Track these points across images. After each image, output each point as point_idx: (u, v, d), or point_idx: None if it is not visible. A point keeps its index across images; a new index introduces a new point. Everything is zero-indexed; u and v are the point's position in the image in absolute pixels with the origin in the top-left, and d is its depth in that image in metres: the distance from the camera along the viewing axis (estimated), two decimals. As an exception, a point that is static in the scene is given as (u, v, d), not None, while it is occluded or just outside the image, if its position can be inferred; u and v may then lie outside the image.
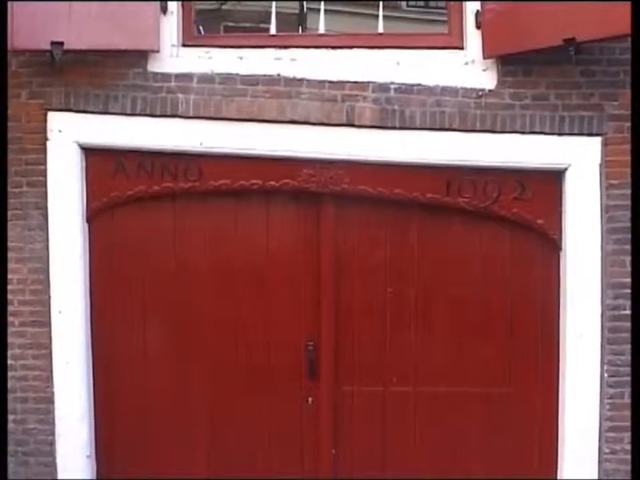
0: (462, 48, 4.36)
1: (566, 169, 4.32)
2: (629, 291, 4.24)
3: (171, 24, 4.33)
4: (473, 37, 4.31)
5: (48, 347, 4.38)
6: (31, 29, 4.06)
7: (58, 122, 4.32)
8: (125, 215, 4.46)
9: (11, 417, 4.30)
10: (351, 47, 4.38)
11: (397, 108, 4.29)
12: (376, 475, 4.55)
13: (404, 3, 8.16)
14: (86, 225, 4.43)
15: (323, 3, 4.59)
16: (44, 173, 4.33)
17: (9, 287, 4.24)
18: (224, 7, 5.35)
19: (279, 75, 4.31)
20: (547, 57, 4.21)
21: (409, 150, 4.30)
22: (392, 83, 4.30)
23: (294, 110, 4.29)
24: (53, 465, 4.45)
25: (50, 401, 4.41)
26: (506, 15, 4.17)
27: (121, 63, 4.29)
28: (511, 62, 4.26)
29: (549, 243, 4.41)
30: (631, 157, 3.87)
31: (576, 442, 4.37)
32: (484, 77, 4.31)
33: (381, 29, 4.46)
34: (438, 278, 4.47)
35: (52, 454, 4.44)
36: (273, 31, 4.46)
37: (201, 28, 4.53)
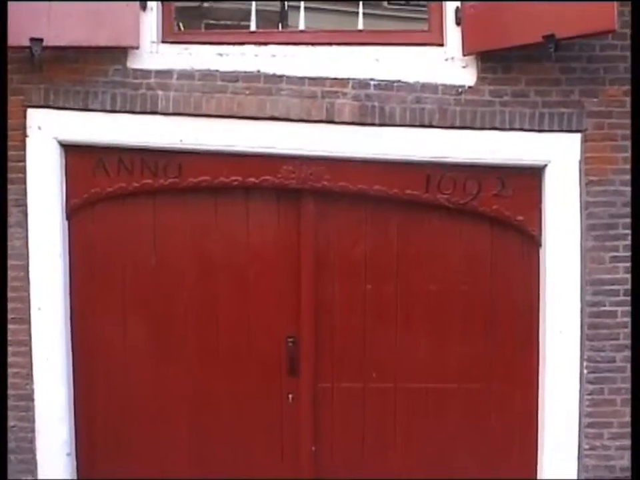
0: (442, 45, 4.35)
1: (546, 166, 4.32)
2: (608, 287, 4.29)
3: (150, 21, 4.31)
4: (453, 34, 4.31)
5: (27, 343, 4.37)
6: (10, 26, 4.03)
7: (37, 119, 4.30)
8: (105, 211, 4.45)
9: (-10, 414, 4.31)
10: (330, 44, 4.38)
11: (376, 104, 4.28)
12: (356, 471, 4.54)
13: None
14: (66, 222, 4.41)
15: (303, 0, 4.58)
16: (23, 170, 4.31)
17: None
18: (205, 4, 5.35)
19: (258, 71, 4.30)
20: (526, 54, 4.22)
21: (389, 146, 4.30)
22: (372, 80, 4.29)
23: (274, 106, 4.28)
24: (33, 463, 4.43)
25: (30, 398, 4.39)
26: (486, 11, 4.18)
27: (101, 59, 4.28)
28: (490, 58, 4.27)
29: (529, 239, 4.42)
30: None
31: (555, 438, 4.37)
32: (464, 74, 4.31)
33: (360, 26, 4.46)
34: (417, 274, 4.46)
35: (32, 451, 4.42)
36: (253, 27, 4.46)
37: (181, 26, 4.52)
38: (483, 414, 4.52)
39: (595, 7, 3.89)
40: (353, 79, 4.30)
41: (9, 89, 4.28)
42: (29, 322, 4.37)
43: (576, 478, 4.36)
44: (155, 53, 4.33)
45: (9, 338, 4.34)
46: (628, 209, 4.10)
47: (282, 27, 4.54)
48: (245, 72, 4.30)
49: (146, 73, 4.29)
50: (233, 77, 4.29)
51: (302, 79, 4.30)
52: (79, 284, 4.46)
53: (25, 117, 4.30)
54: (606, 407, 4.30)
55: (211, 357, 4.51)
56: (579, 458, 4.36)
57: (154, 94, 4.28)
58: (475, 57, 4.29)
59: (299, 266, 4.43)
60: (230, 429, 4.55)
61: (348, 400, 4.52)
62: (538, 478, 4.48)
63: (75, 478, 4.52)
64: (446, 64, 4.33)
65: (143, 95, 4.28)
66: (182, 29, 4.48)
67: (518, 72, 4.28)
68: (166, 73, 4.29)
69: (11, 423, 4.39)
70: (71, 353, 4.47)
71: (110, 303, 4.50)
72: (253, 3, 4.46)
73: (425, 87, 4.30)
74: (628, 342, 4.10)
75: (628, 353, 4.12)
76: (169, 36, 4.39)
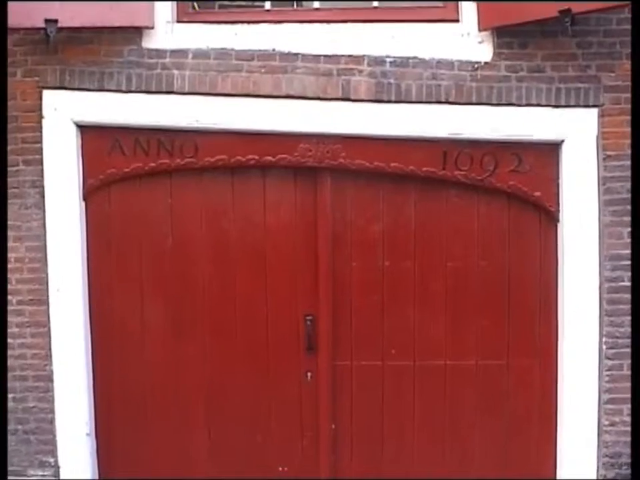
0: (457, 20, 4.33)
1: (563, 141, 4.30)
2: (626, 262, 4.25)
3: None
4: (469, 9, 4.29)
5: (46, 325, 4.39)
6: (24, 7, 4.04)
7: (53, 100, 4.31)
8: (121, 192, 4.45)
9: (10, 396, 4.33)
10: (345, 21, 4.36)
11: (392, 81, 4.27)
12: (376, 449, 4.56)
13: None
14: (83, 203, 4.42)
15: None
16: (40, 151, 4.33)
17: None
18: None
19: (274, 50, 4.29)
20: (542, 29, 4.20)
21: (405, 123, 4.29)
22: (387, 57, 4.28)
23: (289, 85, 4.28)
24: (53, 443, 4.46)
25: (49, 379, 4.42)
26: (501, -14, 4.16)
27: (116, 39, 4.28)
28: (506, 34, 4.24)
29: (547, 215, 4.40)
30: (631, 131, 3.89)
31: (575, 414, 4.37)
32: (480, 50, 4.29)
33: (375, 3, 4.43)
34: (435, 251, 4.46)
35: (52, 432, 4.45)
36: (267, 6, 4.45)
37: (195, 5, 4.50)
38: (502, 390, 4.52)
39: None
40: (369, 56, 4.28)
41: (24, 70, 4.31)
42: (47, 303, 4.39)
43: (595, 453, 4.36)
44: (169, 33, 4.33)
45: (28, 319, 4.40)
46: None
47: (296, 6, 4.52)
48: (260, 50, 4.29)
49: (161, 53, 4.29)
50: (249, 56, 4.28)
51: (317, 56, 4.28)
52: (96, 265, 4.48)
53: (40, 99, 4.31)
54: (625, 383, 4.25)
55: (229, 335, 4.52)
56: (598, 434, 4.35)
57: (169, 73, 4.28)
58: (490, 33, 4.27)
59: (317, 244, 4.43)
60: (248, 407, 4.56)
61: (367, 378, 4.53)
62: (557, 455, 4.48)
63: (95, 458, 4.55)
64: (462, 40, 4.31)
65: (159, 75, 4.28)
66: (196, 8, 4.46)
67: (534, 47, 4.26)
68: (181, 53, 4.29)
69: (30, 404, 4.44)
70: (89, 333, 4.49)
71: (128, 283, 4.51)
72: (267, -18, 4.46)
73: (440, 63, 4.28)
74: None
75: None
76: (183, 15, 4.39)
